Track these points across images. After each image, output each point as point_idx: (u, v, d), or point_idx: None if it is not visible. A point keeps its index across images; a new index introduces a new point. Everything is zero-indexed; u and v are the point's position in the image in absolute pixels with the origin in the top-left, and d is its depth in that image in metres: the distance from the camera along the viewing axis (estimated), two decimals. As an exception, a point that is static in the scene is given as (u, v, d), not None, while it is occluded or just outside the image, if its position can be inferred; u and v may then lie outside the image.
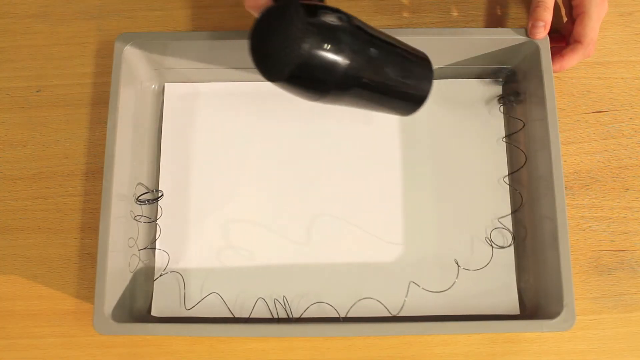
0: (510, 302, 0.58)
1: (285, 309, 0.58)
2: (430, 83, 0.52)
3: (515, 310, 0.58)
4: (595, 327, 0.58)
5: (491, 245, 0.59)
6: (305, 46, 0.44)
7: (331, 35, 0.45)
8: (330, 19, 0.46)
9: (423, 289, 0.58)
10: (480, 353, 0.58)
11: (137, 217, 0.60)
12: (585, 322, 0.58)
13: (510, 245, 0.59)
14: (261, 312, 0.58)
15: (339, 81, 0.47)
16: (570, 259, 0.53)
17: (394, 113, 0.54)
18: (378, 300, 0.58)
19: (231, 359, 0.58)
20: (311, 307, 0.58)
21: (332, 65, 0.46)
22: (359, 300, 0.58)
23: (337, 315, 0.58)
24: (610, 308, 0.59)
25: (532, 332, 0.58)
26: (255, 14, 0.48)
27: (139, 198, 0.59)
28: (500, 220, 0.60)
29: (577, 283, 0.59)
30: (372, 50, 0.48)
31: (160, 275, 0.59)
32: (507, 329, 0.55)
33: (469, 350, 0.58)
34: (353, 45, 0.46)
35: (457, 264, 0.59)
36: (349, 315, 0.58)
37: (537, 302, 0.57)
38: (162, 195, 0.61)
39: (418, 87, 0.52)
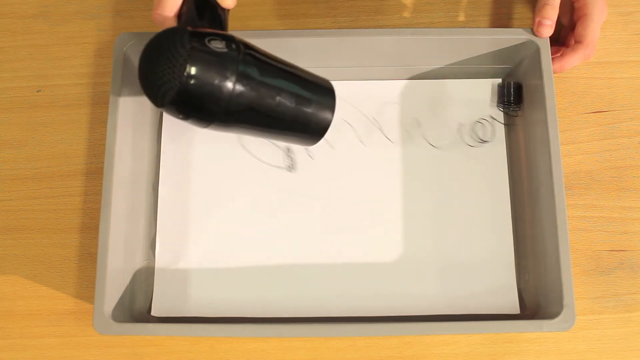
0: (510, 302, 0.58)
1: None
2: (331, 114, 0.49)
3: (515, 310, 0.58)
4: (595, 327, 0.58)
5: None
6: (187, 72, 0.43)
7: (215, 63, 0.44)
8: (218, 46, 0.44)
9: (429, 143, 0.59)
10: (481, 353, 0.58)
11: (137, 216, 0.60)
12: (585, 322, 0.58)
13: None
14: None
15: (223, 112, 0.45)
16: (570, 259, 0.53)
17: (293, 143, 0.52)
18: (377, 300, 0.58)
19: (231, 359, 0.58)
20: (311, 307, 0.58)
21: (215, 94, 0.44)
22: (358, 300, 0.58)
23: (337, 315, 0.58)
24: (610, 308, 0.59)
25: (532, 332, 0.58)
26: (159, 27, 0.47)
27: None
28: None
29: (577, 283, 0.59)
30: (263, 81, 0.46)
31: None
32: (507, 329, 0.55)
33: (469, 350, 0.58)
34: (240, 76, 0.44)
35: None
36: (349, 315, 0.58)
37: (537, 302, 0.57)
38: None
39: (316, 120, 0.49)
